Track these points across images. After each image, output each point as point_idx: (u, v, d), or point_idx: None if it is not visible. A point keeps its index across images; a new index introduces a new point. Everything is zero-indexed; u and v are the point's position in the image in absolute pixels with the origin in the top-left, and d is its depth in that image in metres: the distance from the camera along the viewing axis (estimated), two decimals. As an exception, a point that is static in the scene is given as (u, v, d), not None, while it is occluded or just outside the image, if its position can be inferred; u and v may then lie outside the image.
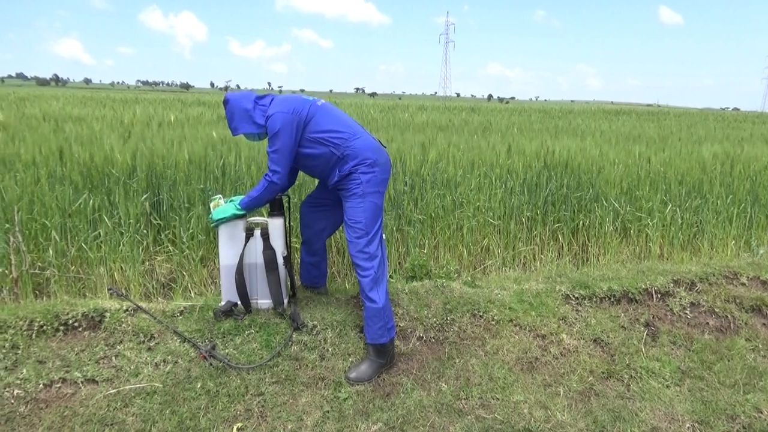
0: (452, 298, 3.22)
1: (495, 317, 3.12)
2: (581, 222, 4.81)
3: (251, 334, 2.75)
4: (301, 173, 3.06)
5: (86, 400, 2.32)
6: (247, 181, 4.26)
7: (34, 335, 2.58)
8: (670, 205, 4.98)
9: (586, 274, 3.70)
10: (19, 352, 2.48)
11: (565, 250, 4.72)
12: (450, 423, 2.41)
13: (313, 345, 2.76)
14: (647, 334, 3.21)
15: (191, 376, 2.48)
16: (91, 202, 3.81)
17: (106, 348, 2.58)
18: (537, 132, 11.58)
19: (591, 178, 5.11)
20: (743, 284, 3.78)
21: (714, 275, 3.79)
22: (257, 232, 2.81)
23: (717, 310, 3.48)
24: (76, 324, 2.67)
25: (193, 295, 3.57)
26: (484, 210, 4.56)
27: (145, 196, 3.95)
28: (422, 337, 2.96)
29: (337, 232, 3.44)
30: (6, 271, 3.27)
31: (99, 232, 3.72)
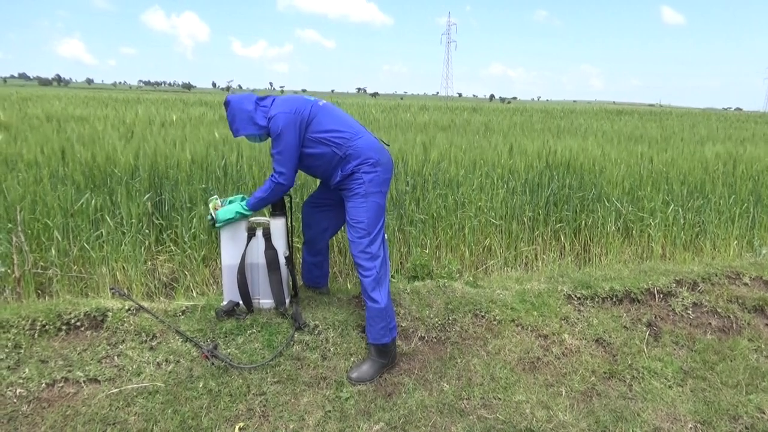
0: (454, 298, 3.22)
1: (497, 317, 3.12)
2: (583, 222, 4.81)
3: (253, 334, 2.75)
4: (301, 173, 3.06)
5: (88, 400, 2.32)
6: (249, 181, 4.27)
7: (36, 334, 2.58)
8: (673, 205, 4.97)
9: (588, 274, 3.70)
10: (22, 351, 2.49)
11: (567, 250, 4.72)
12: (452, 423, 2.41)
13: (314, 345, 2.76)
14: (649, 335, 3.21)
15: (193, 376, 2.49)
16: (93, 201, 3.81)
17: (108, 347, 2.58)
18: (539, 132, 11.58)
19: (593, 178, 5.10)
20: (746, 284, 3.77)
21: (716, 275, 3.78)
22: (259, 232, 2.81)
23: (719, 310, 3.47)
24: (78, 323, 2.67)
25: (195, 294, 3.57)
26: (485, 210, 4.56)
27: (147, 196, 3.96)
28: (424, 337, 2.96)
29: (339, 232, 3.44)
30: (9, 271, 3.27)
31: (101, 232, 3.72)
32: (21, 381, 2.35)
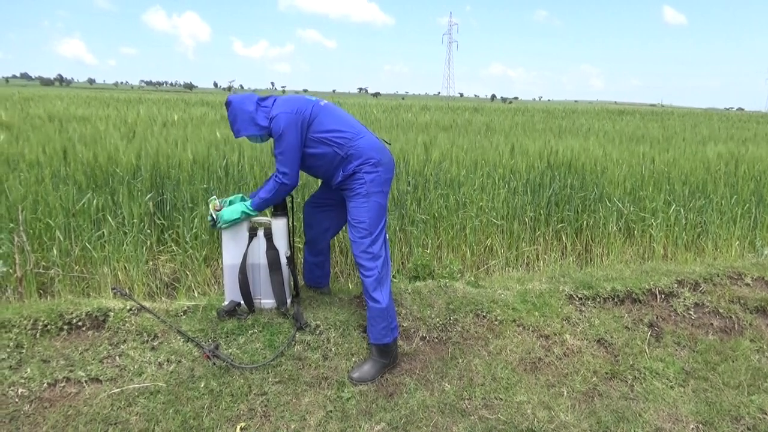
0: (455, 298, 3.22)
1: (498, 317, 3.12)
2: (585, 222, 4.80)
3: (254, 334, 2.75)
4: (303, 173, 3.06)
5: (90, 399, 2.32)
6: (250, 180, 4.27)
7: (38, 334, 2.59)
8: (674, 206, 4.96)
9: (589, 275, 3.70)
10: (24, 351, 2.49)
11: (568, 251, 4.71)
12: (453, 423, 2.41)
13: (316, 345, 2.76)
14: (651, 335, 3.20)
15: (195, 376, 2.49)
16: (94, 201, 3.81)
17: (110, 347, 2.58)
18: (540, 132, 11.57)
19: (595, 178, 5.10)
20: (747, 285, 3.77)
21: (718, 276, 3.78)
22: (260, 232, 2.81)
23: (721, 310, 3.47)
24: (80, 323, 2.68)
25: (196, 294, 3.57)
26: (487, 210, 4.55)
27: (148, 196, 3.96)
28: (425, 337, 2.96)
29: (340, 231, 3.44)
30: (10, 271, 3.28)
31: (103, 232, 3.73)
32: (23, 381, 2.35)
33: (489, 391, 2.62)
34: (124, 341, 2.63)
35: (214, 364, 2.54)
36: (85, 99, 21.07)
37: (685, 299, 3.51)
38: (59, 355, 2.51)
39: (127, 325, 2.70)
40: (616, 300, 3.44)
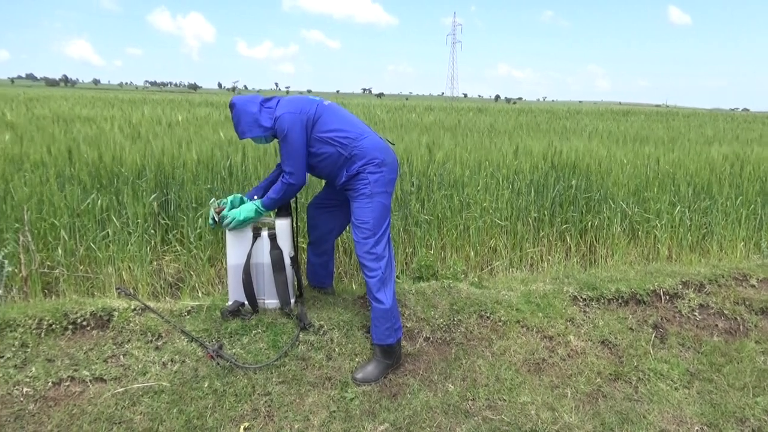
0: (459, 299, 3.21)
1: (502, 318, 3.11)
2: (589, 223, 4.79)
3: (258, 334, 2.75)
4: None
5: (94, 399, 2.33)
6: (255, 181, 4.27)
7: (43, 334, 2.60)
8: (679, 206, 4.95)
9: (593, 276, 3.69)
10: (29, 350, 2.50)
11: (572, 252, 4.70)
12: (457, 424, 2.41)
13: (319, 345, 2.76)
14: (655, 336, 3.19)
15: (198, 376, 2.49)
16: (99, 201, 3.83)
17: (114, 347, 2.59)
18: (544, 132, 11.55)
19: (599, 179, 5.09)
20: (753, 286, 3.75)
21: (723, 277, 3.76)
22: (264, 232, 2.82)
23: (726, 312, 3.45)
24: (84, 323, 2.68)
25: (200, 294, 3.58)
26: (491, 211, 4.55)
27: (153, 196, 3.97)
28: (429, 338, 2.96)
29: (344, 232, 3.45)
30: (16, 270, 3.29)
31: (107, 232, 3.74)
32: (28, 380, 2.36)
33: (493, 392, 2.62)
34: (129, 341, 2.63)
35: (218, 364, 2.54)
36: (90, 99, 21.16)
37: (689, 300, 3.49)
38: (64, 354, 2.52)
39: (131, 324, 2.71)
40: (620, 301, 3.43)
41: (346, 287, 3.52)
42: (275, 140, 2.75)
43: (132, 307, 2.81)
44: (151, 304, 2.89)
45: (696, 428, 2.51)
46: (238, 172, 4.37)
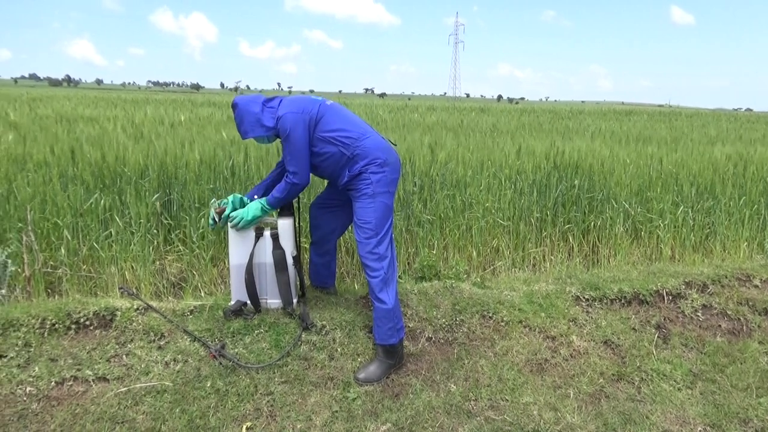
0: (461, 299, 3.21)
1: (504, 318, 3.11)
2: (592, 223, 4.79)
3: (261, 334, 2.76)
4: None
5: (97, 398, 2.34)
6: (257, 181, 4.28)
7: (46, 333, 2.60)
8: (682, 207, 4.94)
9: (596, 276, 3.68)
10: (32, 350, 2.51)
11: (575, 252, 4.69)
12: (459, 424, 2.41)
13: (322, 345, 2.76)
14: (658, 336, 3.18)
15: (201, 375, 2.50)
16: (102, 201, 3.84)
17: (117, 346, 2.59)
18: (547, 132, 11.54)
19: (601, 179, 5.08)
20: (756, 286, 3.74)
21: (726, 277, 3.75)
22: (267, 232, 2.82)
23: (729, 312, 3.45)
24: (87, 322, 2.69)
25: (203, 294, 3.58)
26: (493, 211, 4.54)
27: (156, 196, 3.98)
28: (431, 338, 2.95)
29: (346, 232, 3.44)
30: (19, 270, 3.30)
31: (110, 232, 3.75)
32: (31, 379, 2.36)
33: (495, 392, 2.61)
34: (131, 340, 2.64)
35: (221, 363, 2.55)
36: (93, 99, 21.20)
37: (692, 301, 3.49)
38: (67, 354, 2.52)
39: (134, 324, 2.71)
40: (623, 301, 3.42)
41: (349, 287, 3.52)
42: (278, 140, 2.75)
43: (135, 306, 2.82)
44: (154, 303, 2.89)
45: (699, 429, 2.51)
46: (241, 172, 4.37)
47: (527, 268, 4.49)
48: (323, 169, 2.75)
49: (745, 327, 3.37)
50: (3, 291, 3.11)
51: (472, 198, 4.56)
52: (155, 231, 3.93)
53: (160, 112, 12.98)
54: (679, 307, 3.44)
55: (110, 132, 6.72)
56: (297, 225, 2.93)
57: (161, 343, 2.65)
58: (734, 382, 2.86)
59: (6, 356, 2.44)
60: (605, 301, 3.40)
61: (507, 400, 2.57)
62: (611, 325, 3.19)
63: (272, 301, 2.92)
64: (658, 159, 5.87)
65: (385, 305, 2.59)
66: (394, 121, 13.66)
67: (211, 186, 4.11)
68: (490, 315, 3.13)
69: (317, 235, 3.04)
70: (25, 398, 2.29)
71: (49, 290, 3.48)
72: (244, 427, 2.28)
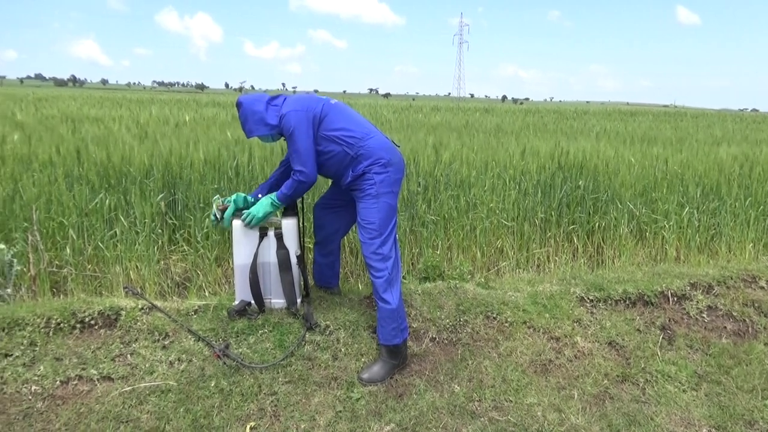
0: (465, 300, 3.21)
1: (508, 319, 3.11)
2: (596, 224, 4.77)
3: (264, 334, 2.76)
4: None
5: (102, 397, 2.34)
6: (261, 180, 4.28)
7: (51, 332, 2.61)
8: (687, 207, 4.91)
9: (601, 277, 3.67)
10: (37, 349, 2.52)
11: (579, 252, 4.68)
12: (463, 425, 2.40)
13: (326, 345, 2.76)
14: (663, 338, 3.17)
15: (205, 375, 2.50)
16: (107, 201, 3.85)
17: (122, 346, 2.60)
18: (551, 133, 11.51)
19: (606, 179, 5.06)
20: (762, 288, 3.72)
21: (732, 278, 3.73)
22: (271, 232, 2.82)
23: (735, 313, 3.43)
24: (92, 322, 2.70)
25: (207, 294, 3.59)
26: (497, 211, 4.53)
27: (160, 196, 3.99)
28: (435, 339, 2.95)
29: (350, 232, 3.44)
30: (24, 269, 3.31)
31: (115, 231, 3.76)
32: (36, 378, 2.38)
33: (499, 393, 2.61)
34: (136, 340, 2.65)
35: (225, 363, 2.55)
36: (98, 99, 21.28)
37: (698, 302, 3.47)
38: (72, 353, 2.53)
39: (138, 324, 2.72)
40: (627, 302, 3.41)
41: (353, 287, 3.52)
42: (282, 139, 2.75)
43: (139, 306, 2.83)
44: (159, 303, 2.90)
45: (704, 431, 2.50)
46: (245, 172, 4.38)
47: (531, 268, 4.48)
48: (327, 168, 2.75)
49: (750, 328, 3.36)
50: (8, 290, 3.12)
51: (477, 198, 4.55)
52: (160, 231, 3.94)
53: (165, 112, 13.02)
54: (684, 309, 3.43)
55: (115, 132, 6.74)
56: (301, 225, 2.93)
57: (166, 342, 2.65)
58: (740, 383, 2.85)
59: (11, 355, 2.46)
60: (610, 302, 3.39)
61: (511, 400, 2.57)
62: (616, 326, 3.18)
63: (276, 300, 2.92)
64: (664, 159, 5.85)
65: (389, 305, 2.59)
66: (399, 122, 13.66)
67: (216, 186, 4.12)
68: (494, 316, 3.12)
69: (321, 235, 3.04)
70: (30, 397, 2.31)
71: (54, 289, 3.49)
72: (248, 426, 2.29)
